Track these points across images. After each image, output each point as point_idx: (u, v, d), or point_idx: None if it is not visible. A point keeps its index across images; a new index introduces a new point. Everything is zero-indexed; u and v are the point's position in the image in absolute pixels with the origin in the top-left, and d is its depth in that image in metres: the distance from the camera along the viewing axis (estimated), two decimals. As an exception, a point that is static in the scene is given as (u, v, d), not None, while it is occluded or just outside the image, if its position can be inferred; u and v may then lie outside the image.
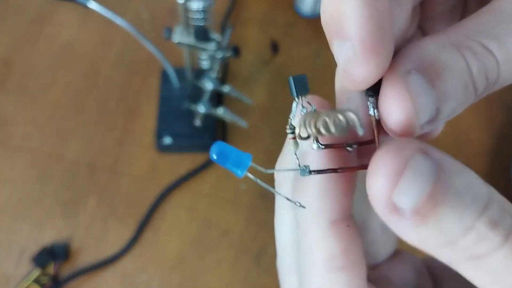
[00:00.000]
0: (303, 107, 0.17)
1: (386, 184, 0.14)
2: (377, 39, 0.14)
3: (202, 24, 0.54)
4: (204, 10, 0.53)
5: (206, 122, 0.62)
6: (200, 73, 0.63)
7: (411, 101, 0.15)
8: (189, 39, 0.56)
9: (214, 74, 0.60)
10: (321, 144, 0.17)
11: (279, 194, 0.19)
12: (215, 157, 0.16)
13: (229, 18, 0.73)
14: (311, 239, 0.18)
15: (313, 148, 0.17)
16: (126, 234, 0.57)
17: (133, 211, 0.58)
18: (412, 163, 0.14)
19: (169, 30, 0.56)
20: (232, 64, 0.69)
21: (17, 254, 0.55)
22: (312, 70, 0.70)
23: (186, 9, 0.52)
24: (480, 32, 0.16)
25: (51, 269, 0.54)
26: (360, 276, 0.18)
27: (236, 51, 0.58)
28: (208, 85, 0.59)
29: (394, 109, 0.15)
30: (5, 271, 0.54)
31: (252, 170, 0.17)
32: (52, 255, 0.54)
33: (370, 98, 0.16)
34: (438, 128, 0.22)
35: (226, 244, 0.57)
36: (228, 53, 0.58)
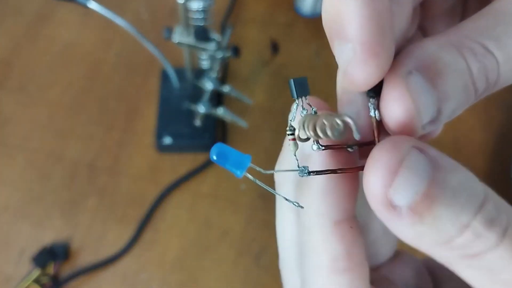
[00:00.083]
0: (303, 108, 0.17)
1: (382, 181, 0.14)
2: (377, 40, 0.14)
3: (202, 24, 0.54)
4: (204, 10, 0.53)
5: (206, 122, 0.62)
6: (200, 73, 0.63)
7: (413, 101, 0.15)
8: (189, 39, 0.56)
9: (214, 74, 0.60)
10: (321, 145, 0.17)
11: (278, 194, 0.19)
12: (215, 157, 0.16)
13: (229, 18, 0.73)
14: (315, 240, 0.18)
15: (313, 149, 0.17)
16: (126, 234, 0.57)
17: (133, 211, 0.58)
18: (407, 160, 0.14)
19: (169, 30, 0.56)
20: (232, 64, 0.69)
21: (17, 254, 0.55)
22: (312, 70, 0.70)
23: (186, 9, 0.52)
24: (480, 33, 0.16)
25: (51, 269, 0.54)
26: (363, 277, 0.18)
27: (236, 51, 0.58)
28: (208, 85, 0.59)
29: (396, 109, 0.15)
30: (5, 271, 0.54)
31: (251, 171, 0.17)
32: (52, 255, 0.54)
33: (371, 99, 0.16)
34: (437, 129, 0.22)
35: (226, 244, 0.57)
36: (228, 53, 0.58)
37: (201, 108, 0.59)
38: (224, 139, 0.63)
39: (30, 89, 0.66)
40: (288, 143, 0.17)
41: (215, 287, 0.55)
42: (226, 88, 0.61)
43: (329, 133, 0.15)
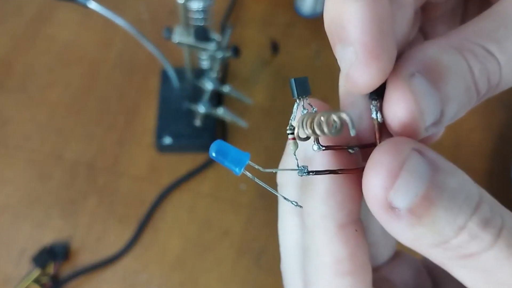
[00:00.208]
0: (304, 108, 0.17)
1: (383, 184, 0.14)
2: (379, 43, 0.14)
3: (202, 24, 0.54)
4: (204, 10, 0.53)
5: (206, 122, 0.62)
6: (200, 73, 0.63)
7: (416, 103, 0.15)
8: (189, 39, 0.56)
9: (214, 74, 0.60)
10: (322, 145, 0.17)
11: (276, 193, 0.19)
12: (214, 154, 0.16)
13: (229, 18, 0.73)
14: (318, 243, 0.18)
15: (313, 149, 0.17)
16: (126, 234, 0.57)
17: (133, 211, 0.58)
18: (408, 163, 0.14)
19: (169, 30, 0.56)
20: (232, 64, 0.69)
21: (17, 254, 0.55)
22: (312, 70, 0.70)
23: (186, 9, 0.52)
24: (482, 35, 0.16)
25: (51, 269, 0.54)
26: (366, 280, 0.18)
27: (236, 51, 0.58)
28: (208, 85, 0.59)
29: (399, 111, 0.15)
30: (5, 271, 0.54)
31: (251, 169, 0.17)
32: (52, 255, 0.54)
33: (373, 102, 0.16)
34: (439, 133, 0.22)
35: (226, 244, 0.57)
36: (228, 53, 0.58)
37: (201, 108, 0.59)
38: (224, 139, 0.63)
39: (30, 89, 0.66)
40: (288, 142, 0.17)
41: (215, 287, 0.55)
42: (226, 88, 0.61)
43: (325, 129, 0.15)
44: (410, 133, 0.15)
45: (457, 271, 0.15)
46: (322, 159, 0.17)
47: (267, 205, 0.59)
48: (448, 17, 0.22)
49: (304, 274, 0.19)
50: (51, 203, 0.58)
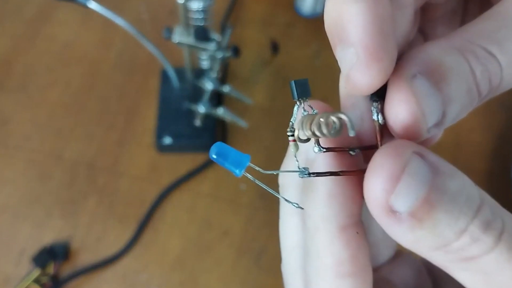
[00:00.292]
0: (304, 110, 0.17)
1: (384, 187, 0.14)
2: (380, 45, 0.14)
3: (202, 24, 0.54)
4: (204, 10, 0.53)
5: (206, 122, 0.62)
6: (200, 73, 0.63)
7: (418, 104, 0.15)
8: (189, 39, 0.56)
9: (214, 74, 0.60)
10: (322, 147, 0.17)
11: (277, 195, 0.19)
12: (214, 156, 0.16)
13: (229, 18, 0.73)
14: (320, 244, 0.18)
15: (314, 151, 0.17)
16: (126, 234, 0.57)
17: (133, 211, 0.58)
18: (409, 167, 0.14)
19: (169, 30, 0.56)
20: (232, 64, 0.69)
21: (17, 254, 0.55)
22: (312, 70, 0.70)
23: (186, 9, 0.52)
24: (483, 36, 0.16)
25: (51, 269, 0.54)
26: (367, 281, 0.18)
27: (236, 51, 0.58)
28: (208, 85, 0.59)
29: (401, 112, 0.15)
30: (5, 271, 0.54)
31: (251, 171, 0.17)
32: (52, 255, 0.54)
33: (374, 103, 0.16)
34: (437, 135, 0.22)
35: (226, 244, 0.57)
36: (228, 53, 0.58)
37: (201, 108, 0.59)
38: (224, 139, 0.63)
39: (30, 89, 0.66)
40: (289, 144, 0.17)
41: (215, 287, 0.55)
42: (226, 88, 0.61)
43: (325, 130, 0.15)
44: (412, 134, 0.15)
45: (458, 274, 0.15)
46: (323, 161, 0.17)
47: (267, 205, 0.59)
48: (448, 18, 0.22)
49: (305, 275, 0.19)
50: (51, 203, 0.58)
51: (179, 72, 0.64)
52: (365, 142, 0.18)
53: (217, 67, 0.59)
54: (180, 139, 0.61)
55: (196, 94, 0.62)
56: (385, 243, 0.23)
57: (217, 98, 0.64)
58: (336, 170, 0.17)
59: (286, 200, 0.18)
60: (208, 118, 0.62)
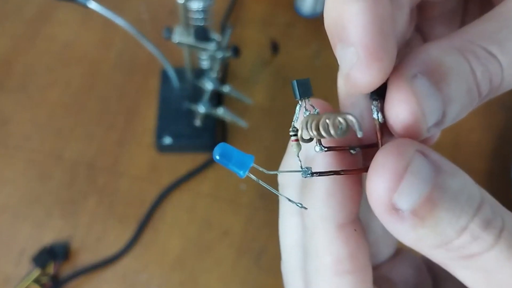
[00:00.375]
0: (306, 110, 0.17)
1: (387, 186, 0.14)
2: (380, 44, 0.14)
3: (202, 24, 0.54)
4: (204, 10, 0.53)
5: (206, 122, 0.62)
6: (200, 73, 0.63)
7: (418, 104, 0.15)
8: (189, 39, 0.56)
9: (214, 74, 0.60)
10: (324, 147, 0.17)
11: (280, 195, 0.19)
12: (218, 157, 0.16)
13: (229, 18, 0.73)
14: (318, 243, 0.18)
15: (315, 151, 0.17)
16: (126, 234, 0.57)
17: (133, 211, 0.58)
18: (412, 165, 0.14)
19: (169, 30, 0.56)
20: (232, 64, 0.69)
21: (17, 254, 0.55)
22: (312, 70, 0.70)
23: (186, 9, 0.52)
24: (484, 37, 0.16)
25: (51, 269, 0.54)
26: (366, 279, 0.18)
27: (236, 51, 0.58)
28: (208, 85, 0.59)
29: (401, 112, 0.15)
30: (5, 271, 0.54)
31: (254, 171, 0.17)
32: (52, 255, 0.54)
33: (374, 102, 0.16)
34: (435, 135, 0.22)
35: (226, 244, 0.57)
36: (228, 53, 0.58)
37: (201, 108, 0.59)
38: (224, 139, 0.64)
39: (30, 89, 0.66)
40: (291, 144, 0.17)
41: (215, 287, 0.55)
42: (226, 88, 0.61)
43: (332, 131, 0.15)
44: (412, 134, 0.15)
45: (459, 272, 0.15)
46: (323, 160, 0.17)
47: (267, 205, 0.59)
48: (447, 18, 0.22)
49: (305, 274, 0.19)
50: (51, 203, 0.58)
51: (179, 72, 0.64)
52: (365, 141, 0.18)
53: (217, 67, 0.59)
54: (180, 139, 0.61)
55: (196, 94, 0.62)
56: (385, 242, 0.23)
57: (217, 98, 0.64)
58: (337, 169, 0.17)
59: (289, 200, 0.18)
60: (208, 118, 0.62)
